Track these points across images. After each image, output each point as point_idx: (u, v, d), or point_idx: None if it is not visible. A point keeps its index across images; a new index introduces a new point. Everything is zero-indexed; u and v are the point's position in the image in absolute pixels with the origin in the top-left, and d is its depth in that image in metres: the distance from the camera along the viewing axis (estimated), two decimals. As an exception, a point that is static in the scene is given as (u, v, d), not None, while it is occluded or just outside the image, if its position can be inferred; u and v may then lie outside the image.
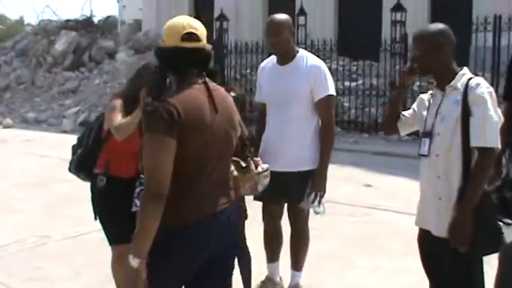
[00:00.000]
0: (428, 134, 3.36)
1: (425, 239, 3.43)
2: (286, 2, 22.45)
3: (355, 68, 16.72)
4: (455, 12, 17.67)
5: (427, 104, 3.49)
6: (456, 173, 3.23)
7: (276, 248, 4.80)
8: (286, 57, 4.50)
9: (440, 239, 3.26)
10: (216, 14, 23.51)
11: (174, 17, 2.95)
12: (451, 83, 3.33)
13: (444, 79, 3.37)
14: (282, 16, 4.53)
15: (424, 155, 3.37)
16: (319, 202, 4.47)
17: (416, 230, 3.55)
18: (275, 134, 4.52)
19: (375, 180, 9.75)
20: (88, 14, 26.52)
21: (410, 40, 13.51)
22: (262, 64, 4.85)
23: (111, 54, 23.60)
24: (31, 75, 23.26)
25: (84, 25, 25.03)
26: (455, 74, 3.36)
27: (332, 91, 4.47)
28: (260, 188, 3.34)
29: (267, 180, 3.37)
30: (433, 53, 3.33)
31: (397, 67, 14.30)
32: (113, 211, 4.13)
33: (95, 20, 25.75)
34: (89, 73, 22.98)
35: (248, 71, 17.24)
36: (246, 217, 4.43)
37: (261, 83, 4.74)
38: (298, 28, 15.52)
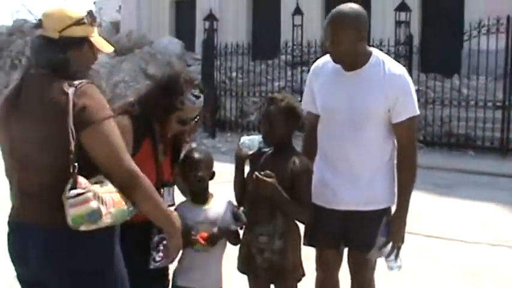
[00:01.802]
0: None
1: None
2: (273, 1, 21.60)
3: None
4: (447, 15, 17.15)
5: None
6: None
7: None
8: (353, 63, 3.35)
9: None
10: (198, 13, 22.78)
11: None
12: None
13: None
14: (348, 9, 3.26)
15: None
16: (397, 255, 3.42)
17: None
18: (335, 162, 3.40)
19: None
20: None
21: (415, 41, 13.21)
22: (318, 63, 3.57)
23: (89, 56, 22.41)
24: (5, 78, 21.99)
25: (61, 25, 23.88)
26: None
27: (417, 110, 3.36)
28: (68, 220, 2.23)
29: (74, 212, 2.24)
30: None
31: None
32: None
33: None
34: (66, 76, 21.76)
35: (234, 74, 16.39)
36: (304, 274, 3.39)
37: (313, 89, 3.53)
38: (293, 28, 14.64)
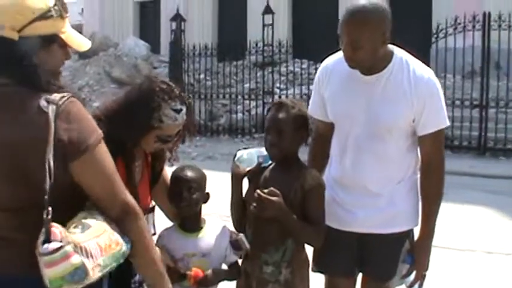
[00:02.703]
0: None
1: None
2: (239, 2, 21.18)
3: (315, 71, 15.60)
4: (415, 14, 16.96)
5: None
6: None
7: None
8: (372, 66, 2.82)
9: None
10: (162, 14, 22.23)
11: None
12: None
13: None
14: (371, 5, 2.70)
15: None
16: (421, 285, 2.98)
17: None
18: (350, 178, 2.92)
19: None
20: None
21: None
22: (329, 62, 3.01)
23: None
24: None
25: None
26: None
27: (447, 121, 2.88)
28: (45, 281, 1.78)
29: (51, 272, 1.77)
30: None
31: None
32: None
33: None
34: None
35: (202, 76, 15.99)
36: None
37: (323, 95, 3.01)
38: (264, 28, 14.26)
